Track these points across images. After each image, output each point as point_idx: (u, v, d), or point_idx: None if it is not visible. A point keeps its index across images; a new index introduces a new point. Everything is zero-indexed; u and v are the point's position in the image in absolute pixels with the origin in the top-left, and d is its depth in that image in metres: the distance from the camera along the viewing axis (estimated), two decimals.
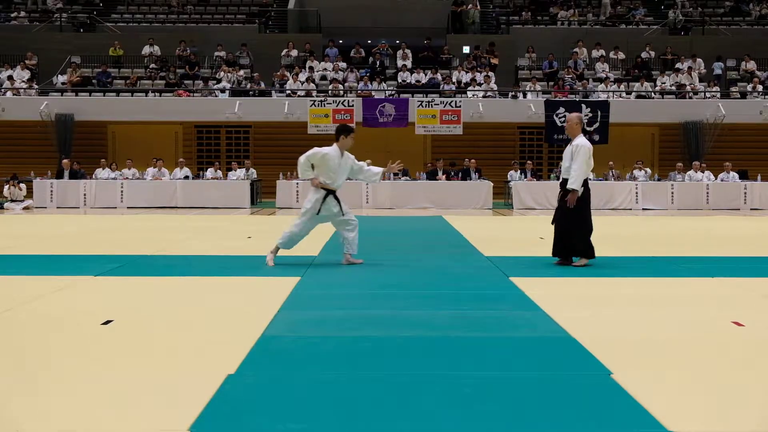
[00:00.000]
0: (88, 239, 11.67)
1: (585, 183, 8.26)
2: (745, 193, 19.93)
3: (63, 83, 24.74)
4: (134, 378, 4.04)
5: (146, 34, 27.51)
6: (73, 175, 20.28)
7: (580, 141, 8.34)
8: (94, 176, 20.50)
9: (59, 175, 20.48)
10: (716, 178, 20.53)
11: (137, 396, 3.73)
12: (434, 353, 4.61)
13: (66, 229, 13.61)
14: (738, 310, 5.88)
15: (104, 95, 24.27)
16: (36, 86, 24.71)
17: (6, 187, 20.26)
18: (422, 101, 22.30)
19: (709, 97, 24.33)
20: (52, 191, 19.81)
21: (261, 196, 21.94)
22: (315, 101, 22.24)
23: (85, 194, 19.77)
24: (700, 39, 28.40)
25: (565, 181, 8.36)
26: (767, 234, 12.91)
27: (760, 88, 24.86)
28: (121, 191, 19.74)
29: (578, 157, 8.19)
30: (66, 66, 25.41)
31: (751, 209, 19.53)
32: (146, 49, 26.56)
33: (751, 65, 26.34)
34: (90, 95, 24.24)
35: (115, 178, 20.29)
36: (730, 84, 26.18)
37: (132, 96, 24.29)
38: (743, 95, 24.95)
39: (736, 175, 20.56)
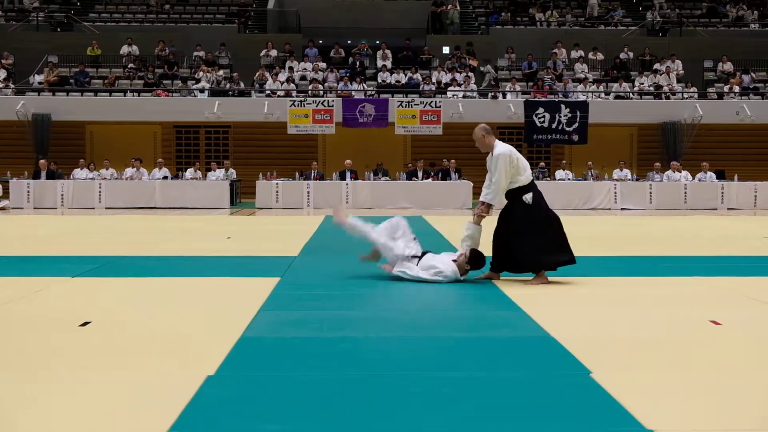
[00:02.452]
0: (66, 240, 11.58)
1: (530, 188, 7.19)
2: (722, 193, 20.11)
3: (40, 83, 24.53)
4: (112, 380, 4.01)
5: (124, 34, 27.34)
6: (51, 176, 20.11)
7: (498, 150, 7.19)
8: (71, 176, 20.33)
9: (36, 176, 20.30)
10: (693, 178, 20.69)
11: (115, 398, 3.70)
12: (415, 353, 4.61)
13: (43, 229, 13.49)
14: (716, 309, 5.92)
15: (82, 95, 24.08)
16: (12, 86, 24.47)
17: None
18: (402, 101, 22.31)
19: (686, 98, 24.53)
20: (28, 192, 19.63)
21: (240, 196, 21.86)
22: (295, 101, 22.18)
23: (62, 195, 19.61)
24: (677, 40, 28.63)
25: (509, 194, 7.22)
26: (744, 233, 13.03)
27: (736, 89, 25.09)
28: (99, 192, 19.60)
29: (496, 167, 7.09)
30: (43, 65, 25.19)
31: (728, 209, 19.70)
32: (124, 49, 26.38)
33: (728, 66, 26.60)
34: (67, 95, 24.04)
35: (93, 178, 20.14)
36: (708, 85, 26.42)
37: (110, 96, 24.12)
38: (720, 96, 25.18)
39: (713, 175, 20.73)
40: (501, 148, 7.22)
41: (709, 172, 20.69)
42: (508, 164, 7.07)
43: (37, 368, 4.25)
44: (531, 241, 7.05)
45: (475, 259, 7.11)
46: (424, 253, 7.25)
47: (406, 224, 7.47)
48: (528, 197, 7.11)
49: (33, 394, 3.76)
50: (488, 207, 7.22)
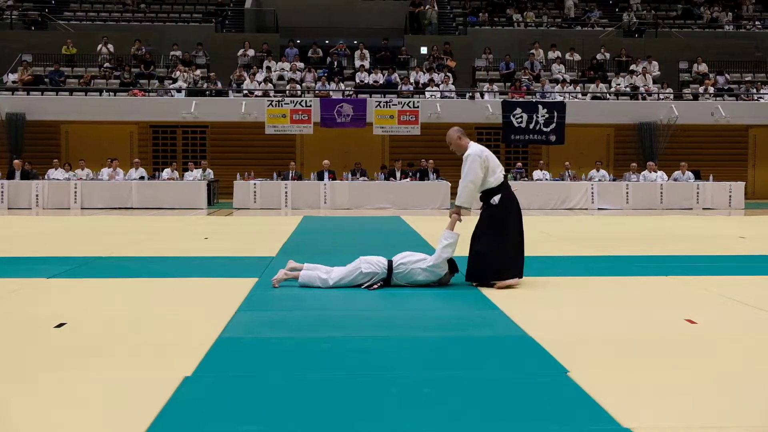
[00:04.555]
0: (41, 241, 11.46)
1: (501, 191, 7.00)
2: (698, 193, 20.28)
3: (14, 82, 24.27)
4: (88, 381, 3.98)
5: (100, 33, 27.12)
6: (25, 176, 19.91)
7: (470, 150, 7.00)
8: (46, 177, 20.14)
9: (10, 176, 20.09)
10: (669, 178, 20.86)
11: (92, 399, 3.67)
12: (394, 353, 4.61)
13: (17, 230, 13.35)
14: (691, 308, 5.98)
15: (57, 94, 23.85)
16: None
17: None
18: (380, 102, 22.31)
19: (662, 99, 24.73)
20: (2, 192, 19.41)
21: (218, 196, 21.76)
22: (272, 101, 22.11)
23: (37, 195, 19.41)
24: (653, 41, 28.88)
25: (482, 197, 7.11)
26: (719, 233, 13.16)
27: (711, 90, 25.34)
28: (75, 192, 19.42)
29: (466, 167, 6.94)
30: (17, 64, 24.94)
31: (703, 209, 19.88)
32: (100, 48, 26.16)
33: (703, 67, 26.85)
34: (42, 94, 23.82)
35: (69, 178, 19.96)
36: (683, 86, 26.66)
37: (86, 95, 23.90)
38: (695, 97, 25.42)
39: (692, 175, 20.87)
40: (472, 148, 7.04)
41: (687, 172, 20.83)
42: (478, 165, 6.91)
43: (12, 369, 4.20)
44: (481, 248, 6.90)
45: (451, 265, 7.04)
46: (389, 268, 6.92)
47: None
48: (495, 199, 6.97)
49: (8, 396, 3.72)
50: (460, 210, 7.04)
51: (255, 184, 19.81)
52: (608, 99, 24.94)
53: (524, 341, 4.89)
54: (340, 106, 22.27)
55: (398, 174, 20.50)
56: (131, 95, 23.63)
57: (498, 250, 6.89)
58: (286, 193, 19.76)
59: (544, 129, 22.09)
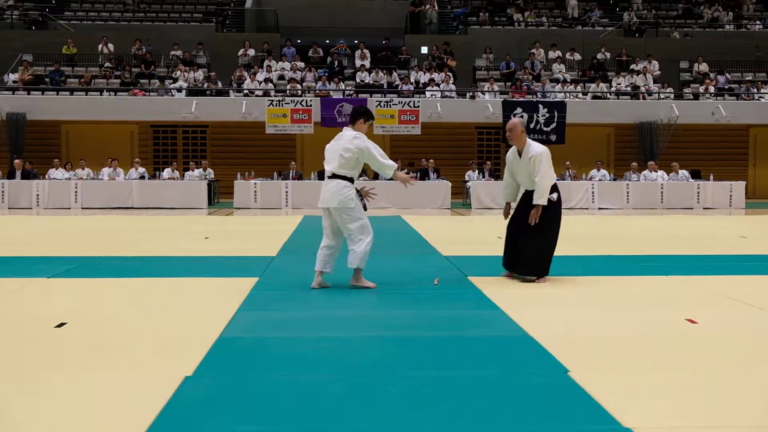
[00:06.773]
0: (41, 240, 11.46)
1: (556, 188, 7.21)
2: (698, 192, 20.27)
3: (14, 81, 24.28)
4: (89, 381, 3.98)
5: (101, 33, 27.13)
6: (26, 176, 19.91)
7: (540, 149, 7.14)
8: (47, 176, 20.14)
9: (11, 176, 20.09)
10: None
11: (92, 399, 3.67)
12: (394, 353, 4.61)
13: (18, 230, 13.35)
14: (691, 308, 5.98)
15: (57, 94, 23.86)
16: None
17: None
18: (381, 101, 22.30)
19: (663, 98, 24.72)
20: (3, 192, 19.43)
21: (218, 196, 21.76)
22: (273, 101, 22.10)
23: (38, 195, 19.41)
24: (654, 41, 28.88)
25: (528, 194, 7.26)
26: (719, 232, 13.15)
27: (712, 89, 25.34)
28: (76, 192, 19.42)
29: (539, 165, 7.05)
30: (17, 64, 24.94)
31: (703, 208, 19.87)
32: (101, 48, 26.16)
33: (704, 67, 26.84)
34: (43, 94, 23.83)
35: (69, 178, 19.96)
36: (683, 85, 26.66)
37: (86, 95, 23.90)
38: (696, 96, 25.41)
39: (686, 173, 20.83)
40: (539, 146, 7.22)
41: (681, 171, 20.81)
42: (549, 161, 7.11)
43: (12, 369, 4.20)
44: (542, 244, 7.20)
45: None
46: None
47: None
48: (554, 196, 7.18)
49: (8, 396, 3.72)
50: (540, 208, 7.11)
51: (255, 183, 19.80)
52: (609, 98, 24.94)
53: (524, 341, 4.89)
54: (341, 105, 22.25)
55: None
56: (132, 95, 23.64)
57: (554, 245, 7.32)
58: (286, 192, 19.76)
59: (545, 128, 22.07)
